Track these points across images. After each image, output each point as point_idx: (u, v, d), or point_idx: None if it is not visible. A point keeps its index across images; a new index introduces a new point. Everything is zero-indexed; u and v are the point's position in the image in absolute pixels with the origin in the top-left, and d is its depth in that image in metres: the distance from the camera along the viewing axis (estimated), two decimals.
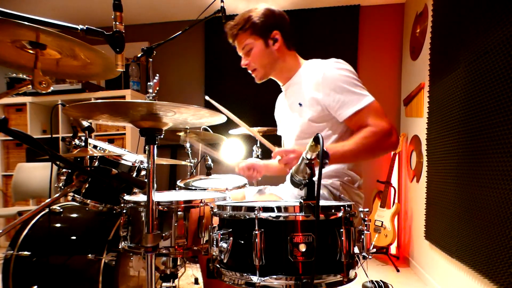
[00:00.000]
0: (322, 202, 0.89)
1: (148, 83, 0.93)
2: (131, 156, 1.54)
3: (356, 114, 1.10)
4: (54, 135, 3.06)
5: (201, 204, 1.04)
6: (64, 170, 1.40)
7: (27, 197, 2.73)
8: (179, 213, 1.00)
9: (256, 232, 0.75)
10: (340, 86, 1.12)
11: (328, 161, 0.94)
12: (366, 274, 0.93)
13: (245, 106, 3.09)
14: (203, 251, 1.03)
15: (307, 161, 0.82)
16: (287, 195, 1.27)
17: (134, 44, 3.24)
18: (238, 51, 1.30)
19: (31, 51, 0.88)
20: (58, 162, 1.01)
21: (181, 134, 1.91)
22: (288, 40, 1.27)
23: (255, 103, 3.08)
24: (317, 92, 1.15)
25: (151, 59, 1.47)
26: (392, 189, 2.72)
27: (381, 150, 1.11)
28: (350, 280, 0.78)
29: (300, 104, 1.22)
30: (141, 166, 1.53)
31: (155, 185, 0.91)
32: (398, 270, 2.50)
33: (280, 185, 1.39)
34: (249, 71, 1.30)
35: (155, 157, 0.92)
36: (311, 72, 1.20)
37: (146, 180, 0.91)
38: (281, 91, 1.41)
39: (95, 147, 1.48)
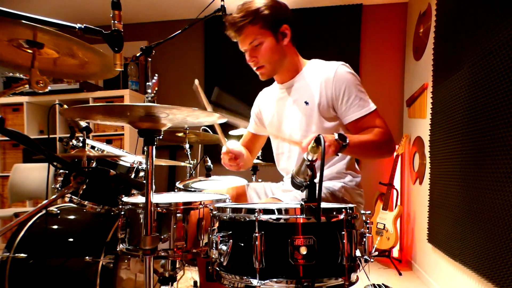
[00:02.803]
0: (323, 204, 0.88)
1: (147, 83, 0.92)
2: (130, 157, 1.52)
3: (362, 118, 1.13)
4: (51, 136, 3.04)
5: (201, 206, 1.02)
6: (61, 171, 1.39)
7: (23, 198, 2.71)
8: (178, 215, 0.99)
9: (256, 234, 0.74)
10: (350, 88, 1.13)
11: (347, 145, 0.96)
12: (368, 277, 0.92)
13: (245, 106, 3.09)
14: (203, 253, 1.02)
15: (308, 163, 0.81)
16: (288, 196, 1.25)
17: (133, 43, 3.24)
18: (241, 46, 1.21)
19: (28, 50, 0.86)
20: (55, 163, 1.00)
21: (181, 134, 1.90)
22: (294, 35, 1.22)
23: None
24: (327, 89, 1.15)
25: (150, 59, 1.45)
26: (395, 191, 2.70)
27: (385, 150, 1.14)
28: (351, 284, 0.78)
29: (307, 103, 1.20)
30: (140, 167, 1.52)
31: (153, 186, 0.90)
32: (400, 274, 2.48)
33: (280, 182, 1.38)
34: (254, 68, 1.23)
35: (154, 158, 0.91)
36: (320, 70, 1.19)
37: (144, 181, 0.90)
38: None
39: (93, 147, 1.47)
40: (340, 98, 1.14)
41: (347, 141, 0.96)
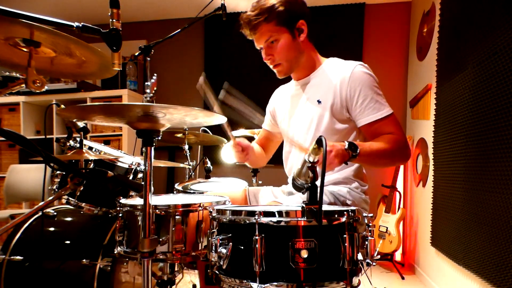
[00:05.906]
0: (325, 207, 0.87)
1: (146, 83, 0.90)
2: (128, 158, 1.51)
3: (376, 122, 1.09)
4: (48, 136, 3.02)
5: (200, 208, 1.01)
6: (58, 172, 1.37)
7: (19, 199, 2.68)
8: (177, 217, 0.98)
9: (257, 237, 0.73)
10: (366, 90, 1.10)
11: (358, 155, 0.94)
12: (370, 281, 0.91)
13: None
14: (202, 256, 1.01)
15: (309, 164, 0.80)
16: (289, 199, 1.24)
17: (131, 42, 3.22)
18: (256, 44, 1.20)
19: (25, 49, 0.85)
20: (52, 164, 0.98)
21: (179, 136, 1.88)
22: (311, 31, 1.20)
23: (256, 103, 3.06)
24: (341, 89, 1.13)
25: (149, 58, 1.44)
26: (398, 194, 2.68)
27: (399, 158, 1.12)
28: None
29: (319, 101, 1.18)
30: (138, 168, 1.51)
31: (152, 188, 0.89)
32: (403, 278, 2.46)
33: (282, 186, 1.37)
34: (271, 66, 1.22)
35: (152, 159, 0.90)
36: (337, 69, 1.17)
37: (142, 183, 0.88)
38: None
39: (90, 148, 1.45)
40: (354, 100, 1.11)
41: (358, 151, 0.94)
